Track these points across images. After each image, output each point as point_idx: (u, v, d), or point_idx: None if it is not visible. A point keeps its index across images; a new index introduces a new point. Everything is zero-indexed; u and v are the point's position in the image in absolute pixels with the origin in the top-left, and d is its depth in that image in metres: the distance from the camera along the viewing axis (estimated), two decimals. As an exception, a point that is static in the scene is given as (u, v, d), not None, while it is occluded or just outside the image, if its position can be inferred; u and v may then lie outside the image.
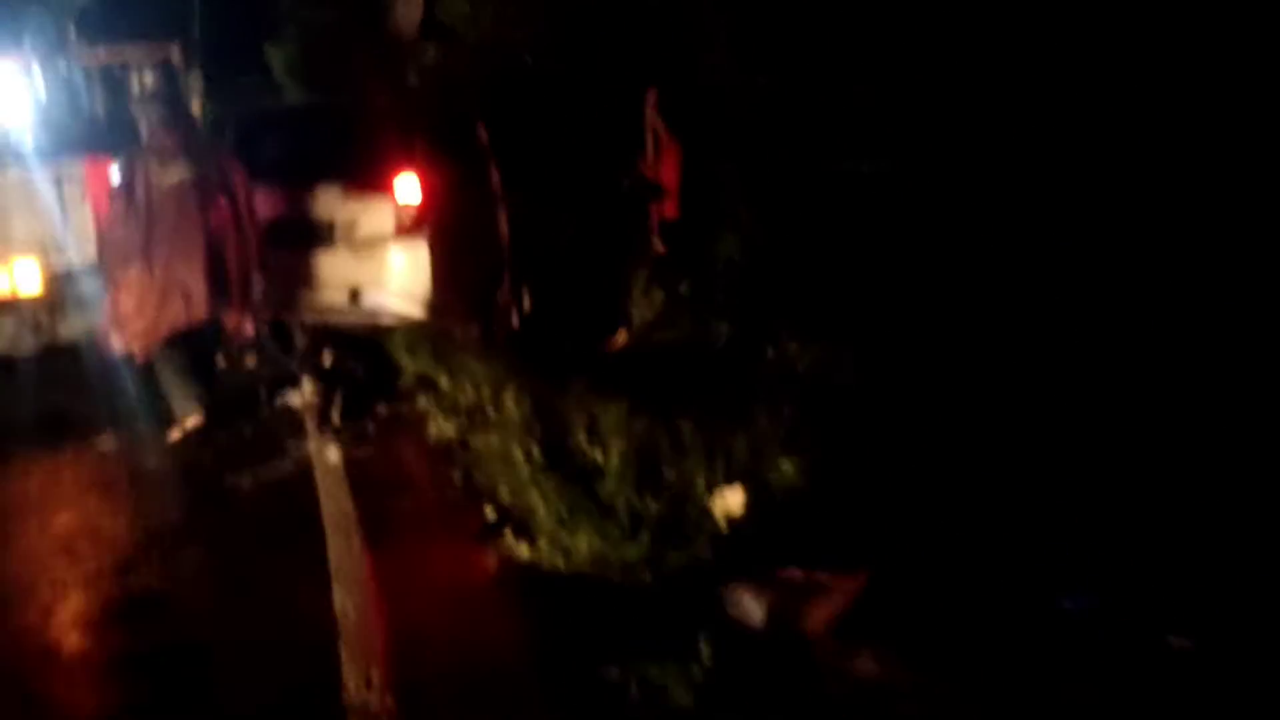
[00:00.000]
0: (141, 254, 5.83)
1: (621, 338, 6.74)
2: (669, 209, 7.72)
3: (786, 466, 4.45)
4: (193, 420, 6.02)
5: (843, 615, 3.38)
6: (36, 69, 8.28)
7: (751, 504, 4.34)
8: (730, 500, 4.41)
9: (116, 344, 6.05)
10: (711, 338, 6.03)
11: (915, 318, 5.19)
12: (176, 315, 5.88)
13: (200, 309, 5.91)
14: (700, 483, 4.47)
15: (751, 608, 3.47)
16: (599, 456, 4.81)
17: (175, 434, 6.01)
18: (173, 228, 5.83)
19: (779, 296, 6.11)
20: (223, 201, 6.00)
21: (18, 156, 7.40)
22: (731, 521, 4.31)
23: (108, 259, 6.00)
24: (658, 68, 8.02)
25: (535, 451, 4.94)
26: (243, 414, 6.43)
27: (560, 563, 4.21)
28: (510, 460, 4.96)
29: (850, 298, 5.59)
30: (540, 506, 4.51)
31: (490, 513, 4.68)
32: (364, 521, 4.77)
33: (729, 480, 4.48)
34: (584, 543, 4.24)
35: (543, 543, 4.31)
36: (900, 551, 3.67)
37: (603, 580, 4.07)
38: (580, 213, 7.05)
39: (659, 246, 7.45)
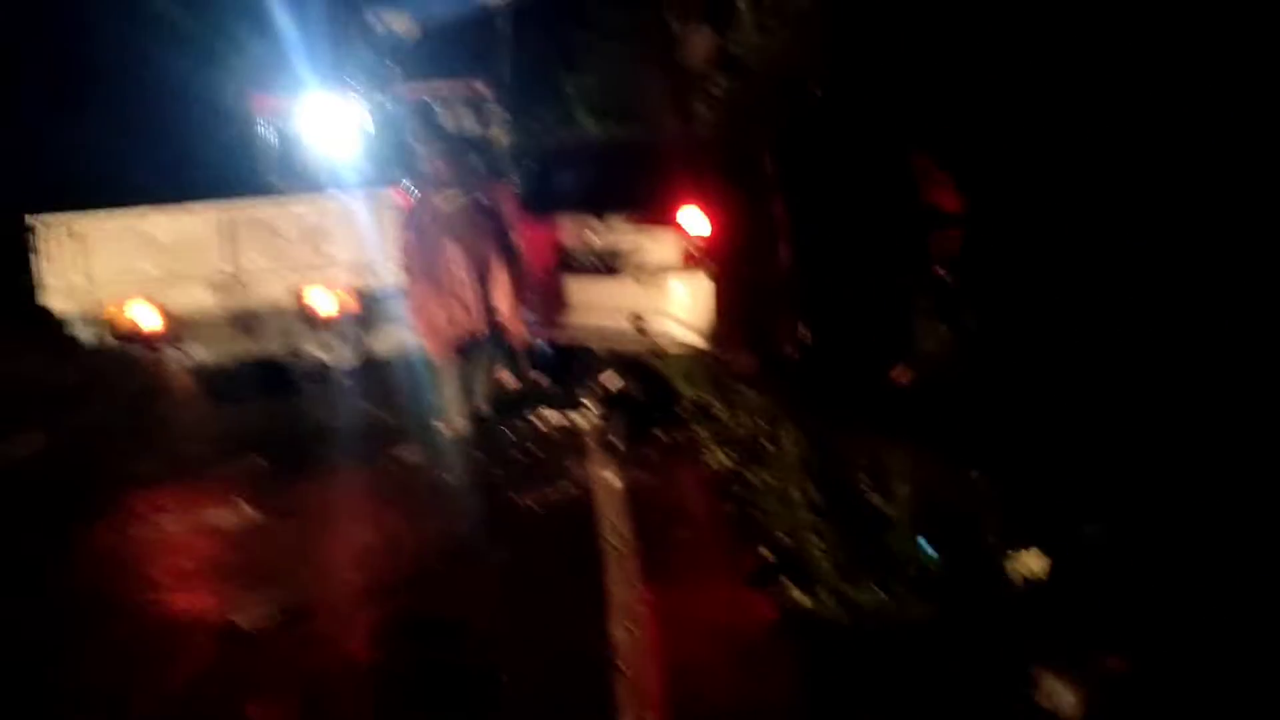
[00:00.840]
0: (429, 271, 6.14)
1: (905, 373, 6.29)
2: (952, 238, 7.20)
3: (1093, 530, 3.92)
4: (466, 429, 6.32)
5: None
6: (360, 103, 8.77)
7: (1054, 567, 3.86)
8: (1030, 561, 3.93)
9: (426, 351, 6.39)
10: (1005, 378, 5.49)
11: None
12: (459, 327, 6.19)
13: (480, 322, 6.18)
14: (996, 540, 4.02)
15: (1064, 698, 3.02)
16: (883, 503, 4.43)
17: (445, 431, 6.32)
18: (454, 248, 6.14)
19: (1081, 336, 5.50)
20: (496, 225, 6.28)
21: (342, 184, 7.85)
22: (1031, 584, 3.85)
23: (406, 275, 6.32)
24: (943, 95, 7.53)
25: (814, 492, 4.63)
26: (529, 431, 6.51)
27: (841, 616, 3.89)
28: (788, 500, 4.67)
29: (1177, 338, 4.92)
30: (819, 553, 4.19)
31: (767, 553, 4.42)
32: (642, 551, 4.63)
33: (1029, 539, 4.00)
34: (867, 596, 3.90)
35: (822, 592, 4.00)
36: (1234, 645, 3.10)
37: (888, 638, 3.72)
38: (863, 242, 6.65)
39: (944, 277, 6.94)
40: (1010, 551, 3.95)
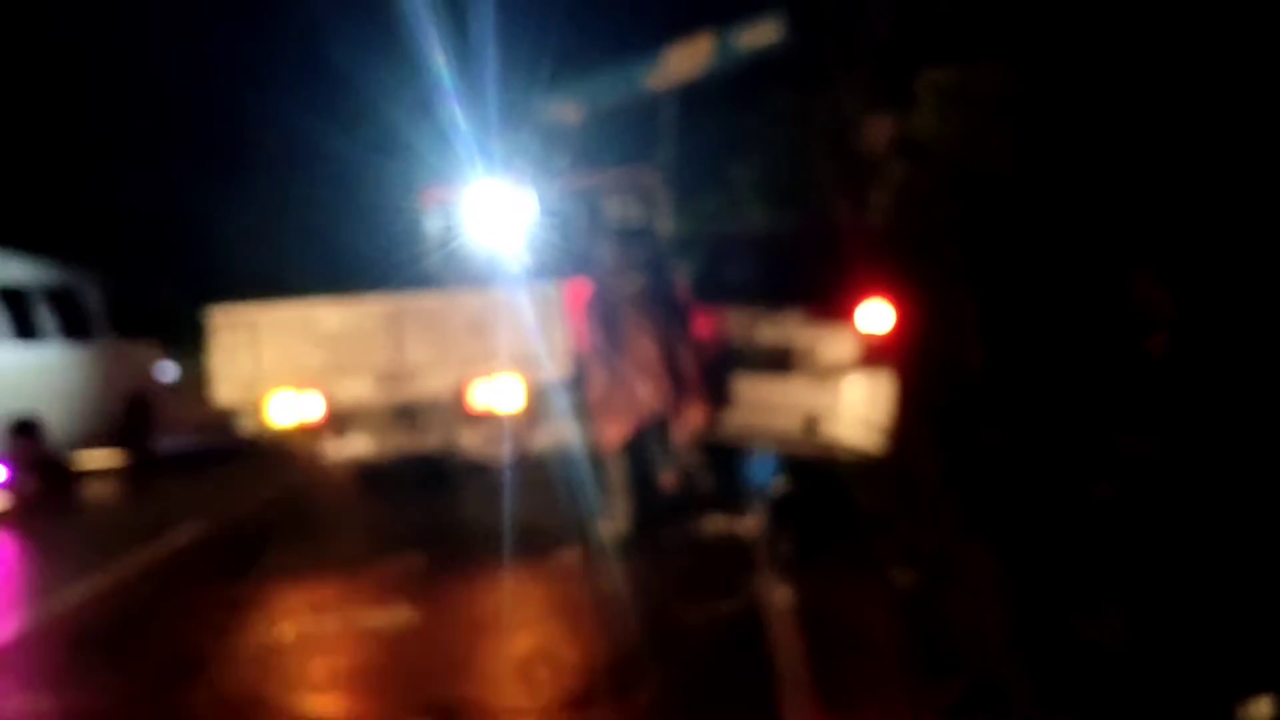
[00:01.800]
0: (612, 354, 6.37)
1: (1108, 487, 5.99)
2: (1159, 342, 6.89)
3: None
4: (629, 530, 6.43)
5: None
6: (528, 193, 9.09)
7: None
8: (1261, 709, 3.65)
9: (595, 444, 6.51)
10: (1226, 498, 5.17)
11: None
12: (638, 408, 6.32)
13: (659, 402, 6.35)
14: (1221, 680, 3.74)
15: None
16: (1093, 630, 4.20)
17: (607, 532, 6.43)
18: (631, 332, 6.34)
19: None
20: (673, 310, 6.45)
21: (507, 276, 8.12)
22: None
23: (582, 362, 6.52)
24: (1141, 182, 7.30)
25: (1013, 618, 4.42)
26: (694, 536, 6.47)
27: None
28: (983, 625, 4.47)
29: None
30: (1021, 686, 3.98)
31: (961, 686, 4.22)
32: (818, 678, 4.49)
33: (1260, 681, 3.71)
34: (1076, 737, 3.68)
35: (1025, 731, 3.80)
36: None
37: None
38: (1062, 339, 6.44)
39: (1153, 384, 6.63)
40: (1241, 697, 3.68)
